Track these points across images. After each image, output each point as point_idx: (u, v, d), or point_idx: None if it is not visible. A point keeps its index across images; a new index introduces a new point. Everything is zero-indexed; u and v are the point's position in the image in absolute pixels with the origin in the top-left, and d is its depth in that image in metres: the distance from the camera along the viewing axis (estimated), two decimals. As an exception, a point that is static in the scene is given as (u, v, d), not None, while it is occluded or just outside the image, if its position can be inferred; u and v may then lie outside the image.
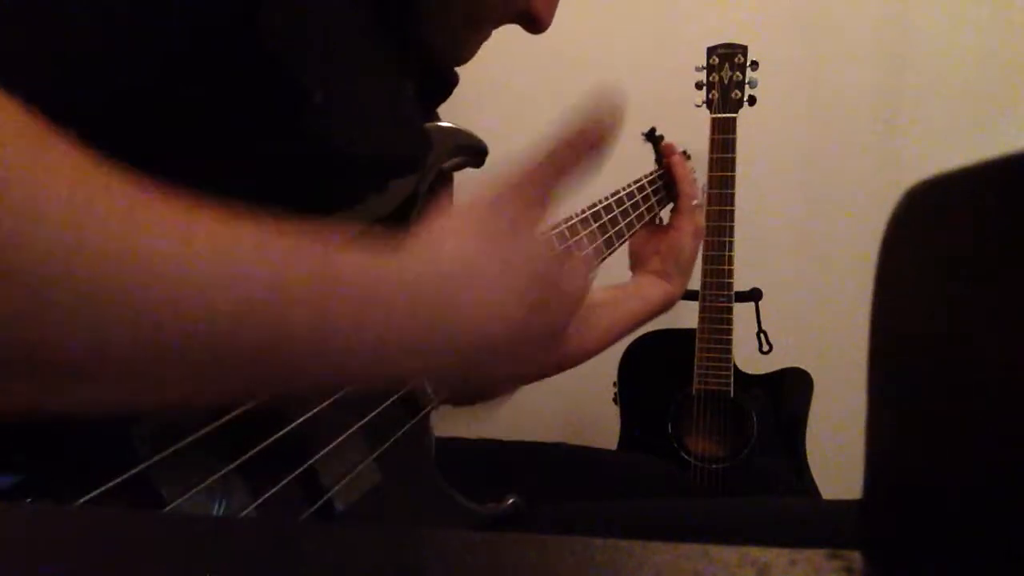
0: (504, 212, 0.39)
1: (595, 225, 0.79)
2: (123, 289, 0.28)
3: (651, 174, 0.99)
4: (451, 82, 0.70)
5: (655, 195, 0.98)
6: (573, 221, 0.73)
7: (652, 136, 1.26)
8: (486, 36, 0.65)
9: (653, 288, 0.96)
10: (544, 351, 0.41)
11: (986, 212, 0.17)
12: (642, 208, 0.93)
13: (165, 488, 0.40)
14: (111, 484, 0.38)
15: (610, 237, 0.83)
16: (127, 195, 0.29)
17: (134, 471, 0.39)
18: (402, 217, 0.57)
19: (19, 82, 0.34)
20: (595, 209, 0.81)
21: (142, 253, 0.28)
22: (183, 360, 0.30)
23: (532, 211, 0.40)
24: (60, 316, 0.27)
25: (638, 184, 0.94)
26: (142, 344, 0.29)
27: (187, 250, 0.29)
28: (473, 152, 0.66)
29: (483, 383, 0.40)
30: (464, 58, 0.66)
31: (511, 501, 0.68)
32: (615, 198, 0.87)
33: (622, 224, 0.86)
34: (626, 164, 0.93)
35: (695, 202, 1.00)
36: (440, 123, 0.64)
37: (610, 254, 0.84)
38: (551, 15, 0.65)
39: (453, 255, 0.37)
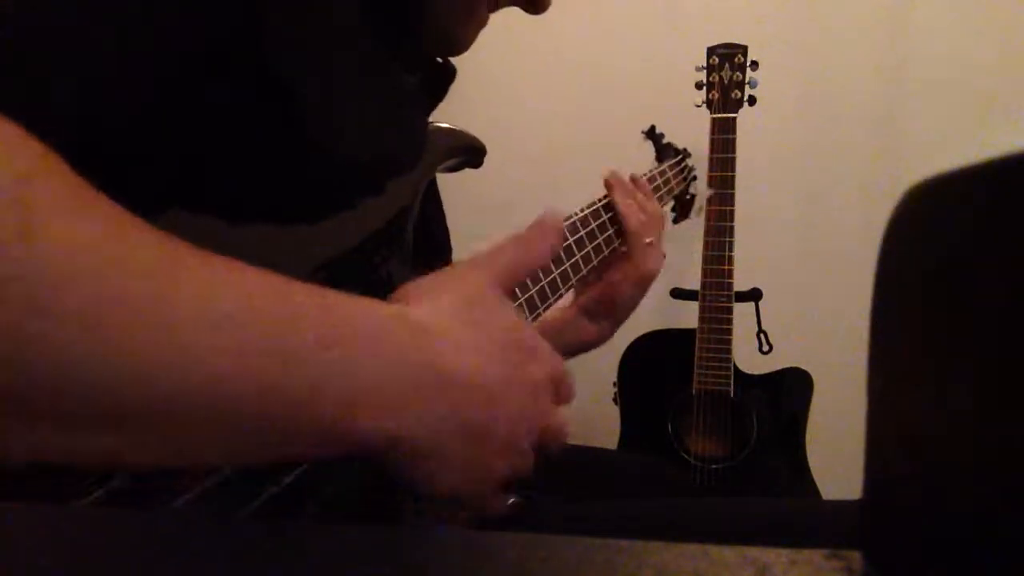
0: (483, 289, 0.43)
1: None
2: (155, 339, 0.28)
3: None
4: (449, 76, 0.67)
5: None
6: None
7: (652, 134, 1.26)
8: (484, 22, 0.63)
9: (585, 326, 0.85)
10: (528, 431, 0.42)
11: (986, 212, 0.17)
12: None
13: (166, 488, 0.40)
14: (111, 484, 0.38)
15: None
16: (157, 245, 0.30)
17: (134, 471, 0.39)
18: (399, 220, 0.56)
19: (37, 107, 0.35)
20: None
21: (171, 300, 0.28)
22: (186, 413, 0.30)
23: (505, 293, 0.45)
24: (83, 360, 0.26)
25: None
26: (162, 388, 0.28)
27: (209, 294, 0.30)
28: (471, 152, 0.66)
29: (479, 460, 0.40)
30: (463, 47, 0.63)
31: (511, 501, 0.68)
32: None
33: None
34: (628, 163, 0.93)
35: (647, 240, 0.84)
36: (438, 124, 0.64)
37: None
38: None
39: (431, 311, 0.39)
